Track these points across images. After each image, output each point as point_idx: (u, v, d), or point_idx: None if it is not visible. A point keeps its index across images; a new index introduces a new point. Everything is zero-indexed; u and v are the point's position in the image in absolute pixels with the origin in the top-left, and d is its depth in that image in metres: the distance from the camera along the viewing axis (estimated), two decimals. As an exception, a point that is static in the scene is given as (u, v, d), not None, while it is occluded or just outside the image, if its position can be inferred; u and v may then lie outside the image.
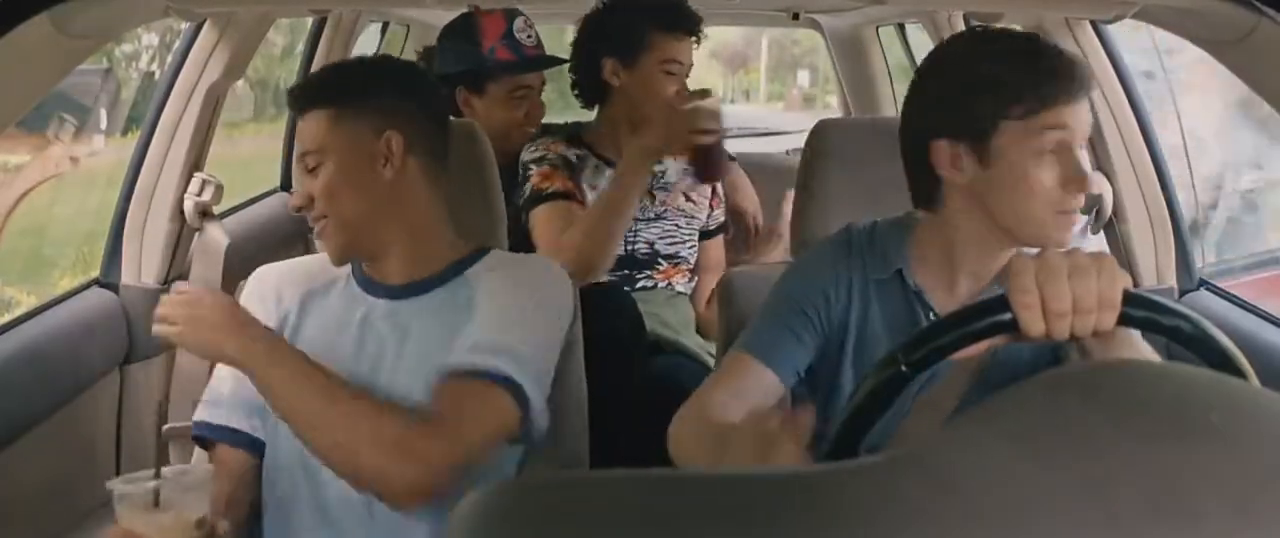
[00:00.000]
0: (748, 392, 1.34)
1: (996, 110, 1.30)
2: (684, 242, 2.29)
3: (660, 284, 2.27)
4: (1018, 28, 1.84)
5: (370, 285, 1.52)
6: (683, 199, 2.31)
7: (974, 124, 1.32)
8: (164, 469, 1.20)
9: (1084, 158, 1.30)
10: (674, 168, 2.33)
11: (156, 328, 1.37)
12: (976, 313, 1.00)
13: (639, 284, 2.26)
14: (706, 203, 2.36)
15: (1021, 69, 1.30)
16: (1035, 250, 1.05)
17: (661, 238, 2.27)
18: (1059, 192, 1.30)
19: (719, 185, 2.39)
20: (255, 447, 1.48)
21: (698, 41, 2.27)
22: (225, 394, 1.50)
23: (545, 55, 2.28)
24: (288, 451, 1.45)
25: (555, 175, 2.13)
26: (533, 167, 2.14)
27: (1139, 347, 1.06)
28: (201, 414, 1.51)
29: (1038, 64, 1.30)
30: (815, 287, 1.39)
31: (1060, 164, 1.29)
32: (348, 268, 1.55)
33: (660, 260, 2.27)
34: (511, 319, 1.43)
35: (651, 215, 2.26)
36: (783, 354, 1.36)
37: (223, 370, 1.51)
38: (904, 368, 0.98)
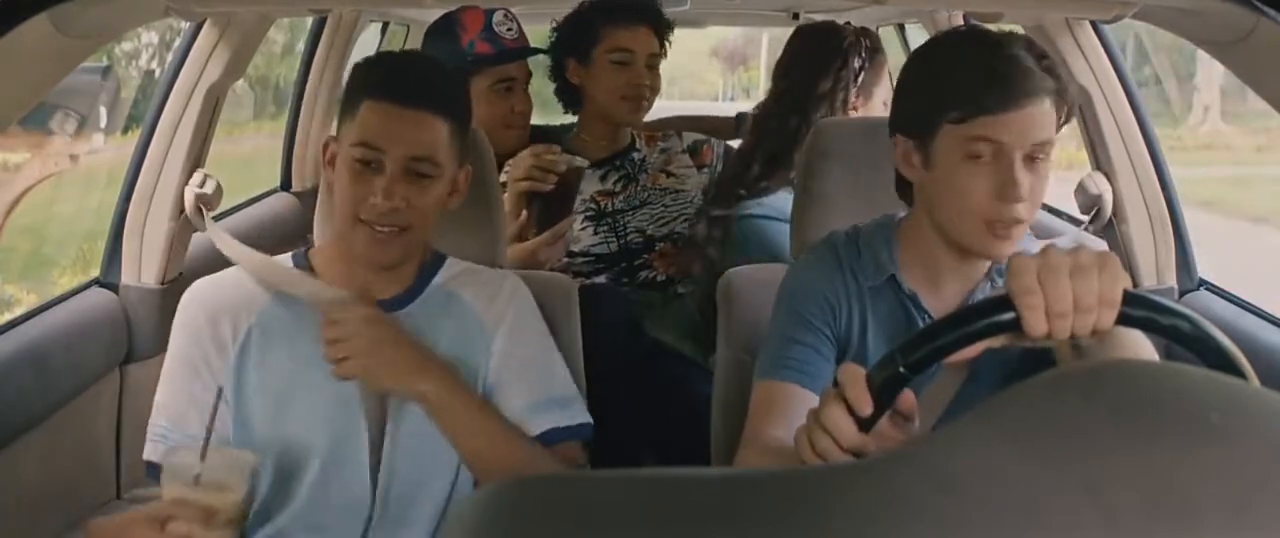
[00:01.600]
0: (792, 416, 1.29)
1: (936, 113, 1.28)
2: (676, 217, 2.31)
3: (659, 276, 2.28)
4: (1018, 28, 1.84)
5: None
6: (664, 177, 2.34)
7: (918, 123, 1.31)
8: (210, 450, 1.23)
9: (1021, 172, 1.24)
10: (647, 150, 2.35)
11: (336, 360, 1.34)
12: (977, 313, 0.99)
13: (640, 275, 2.27)
14: (692, 172, 2.37)
15: (961, 73, 1.28)
16: (1038, 248, 1.03)
17: (652, 222, 2.29)
18: (991, 202, 1.26)
19: (707, 147, 2.41)
20: None
21: (657, 31, 2.27)
22: (171, 426, 1.42)
23: (525, 46, 2.27)
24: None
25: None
26: None
27: (1138, 347, 1.06)
28: (158, 452, 1.42)
29: (980, 69, 1.27)
30: (820, 299, 1.37)
31: (995, 174, 1.26)
32: (294, 275, 1.47)
33: (656, 244, 2.28)
34: (547, 359, 1.49)
35: (636, 203, 2.28)
36: (812, 370, 1.33)
37: (164, 397, 1.44)
38: (902, 369, 0.96)
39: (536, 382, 1.46)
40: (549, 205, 2.10)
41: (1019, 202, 1.25)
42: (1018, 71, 1.25)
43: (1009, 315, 0.97)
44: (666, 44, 2.32)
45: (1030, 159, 1.26)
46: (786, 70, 2.18)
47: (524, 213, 2.10)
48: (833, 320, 1.37)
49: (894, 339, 1.34)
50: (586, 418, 1.48)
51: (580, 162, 2.14)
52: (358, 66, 1.48)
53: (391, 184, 1.37)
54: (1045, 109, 1.26)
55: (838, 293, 1.37)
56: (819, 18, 3.29)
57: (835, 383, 0.99)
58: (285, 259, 1.52)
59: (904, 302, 1.36)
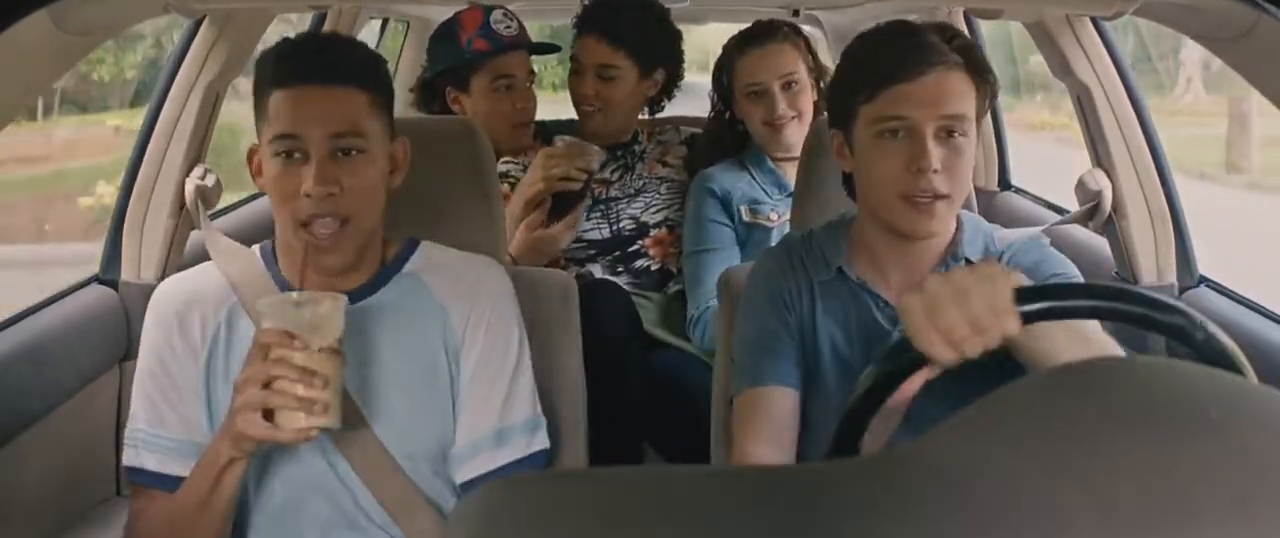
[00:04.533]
0: (776, 422, 1.37)
1: (852, 98, 1.34)
2: (670, 204, 2.32)
3: (653, 264, 2.28)
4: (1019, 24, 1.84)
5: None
6: (660, 166, 2.35)
7: (841, 113, 1.37)
8: (293, 294, 1.25)
9: (932, 144, 1.28)
10: (647, 142, 2.36)
11: None
12: (887, 360, 1.01)
13: (635, 263, 2.27)
14: (685, 162, 2.38)
15: (868, 54, 1.35)
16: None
17: (646, 210, 2.31)
18: (904, 175, 1.30)
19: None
20: None
21: (611, 39, 2.25)
22: (149, 434, 1.38)
23: (522, 41, 2.28)
24: (293, 472, 1.38)
25: (510, 200, 2.18)
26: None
27: (1073, 329, 1.05)
28: (141, 459, 1.37)
29: (883, 47, 1.33)
30: (775, 300, 1.42)
31: (907, 148, 1.30)
32: (262, 269, 1.43)
33: (650, 230, 2.29)
34: (512, 365, 1.43)
35: (632, 191, 2.30)
36: (785, 368, 1.40)
37: (138, 400, 1.39)
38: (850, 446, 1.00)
39: (499, 406, 1.42)
40: (566, 192, 2.14)
41: (931, 172, 1.29)
42: (918, 44, 1.31)
43: (915, 353, 0.99)
44: (637, 48, 2.27)
45: (944, 133, 1.30)
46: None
47: (546, 203, 2.13)
48: (790, 316, 1.42)
49: (846, 327, 1.40)
50: (544, 444, 1.45)
51: (596, 150, 2.17)
52: (261, 59, 1.38)
53: (320, 169, 1.29)
54: (952, 80, 1.30)
55: (788, 290, 1.42)
56: (820, 14, 3.29)
57: None
58: (254, 252, 1.48)
59: (854, 290, 1.41)
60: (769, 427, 1.37)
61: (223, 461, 1.27)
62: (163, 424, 1.37)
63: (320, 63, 1.32)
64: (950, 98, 1.29)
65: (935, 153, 1.28)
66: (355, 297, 1.37)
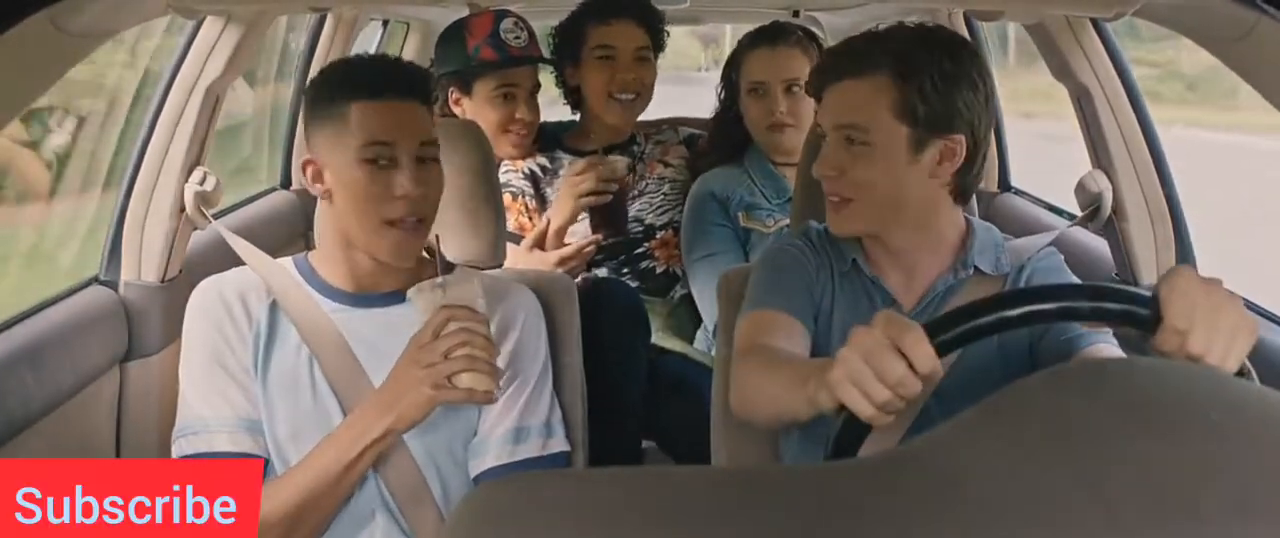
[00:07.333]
0: (783, 336, 1.37)
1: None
2: (674, 205, 2.32)
3: (659, 267, 2.28)
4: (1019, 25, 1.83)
5: (341, 295, 1.48)
6: (661, 166, 2.35)
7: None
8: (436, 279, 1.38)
9: (828, 155, 1.37)
10: (645, 142, 2.36)
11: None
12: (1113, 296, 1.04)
13: (640, 265, 2.27)
14: (686, 162, 2.37)
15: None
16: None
17: (651, 211, 2.30)
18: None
19: (703, 140, 2.43)
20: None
21: (643, 24, 2.25)
22: (213, 417, 1.42)
23: (530, 55, 2.25)
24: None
25: (510, 209, 2.19)
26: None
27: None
28: (196, 446, 1.41)
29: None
30: (800, 266, 1.44)
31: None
32: (296, 276, 1.50)
33: (656, 232, 2.28)
34: (536, 373, 1.50)
35: (635, 193, 2.28)
36: (800, 302, 1.40)
37: (193, 391, 1.43)
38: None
39: (521, 407, 1.49)
40: (607, 209, 2.15)
41: (825, 175, 1.39)
42: (835, 53, 1.44)
43: (1143, 312, 1.02)
44: (659, 36, 2.29)
45: (845, 140, 1.37)
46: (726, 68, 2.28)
47: (548, 220, 2.14)
48: (811, 286, 1.43)
49: (859, 320, 1.38)
50: (564, 446, 1.51)
51: (622, 162, 2.17)
52: (327, 76, 1.46)
53: (414, 173, 1.39)
54: (846, 90, 1.36)
55: (813, 269, 1.44)
56: (820, 15, 3.29)
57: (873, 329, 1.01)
58: (288, 263, 1.54)
59: (867, 286, 1.43)
60: (778, 335, 1.35)
61: (375, 434, 1.36)
62: (213, 407, 1.42)
63: (396, 79, 1.42)
64: (845, 108, 1.36)
65: (830, 159, 1.37)
66: (396, 298, 1.46)
